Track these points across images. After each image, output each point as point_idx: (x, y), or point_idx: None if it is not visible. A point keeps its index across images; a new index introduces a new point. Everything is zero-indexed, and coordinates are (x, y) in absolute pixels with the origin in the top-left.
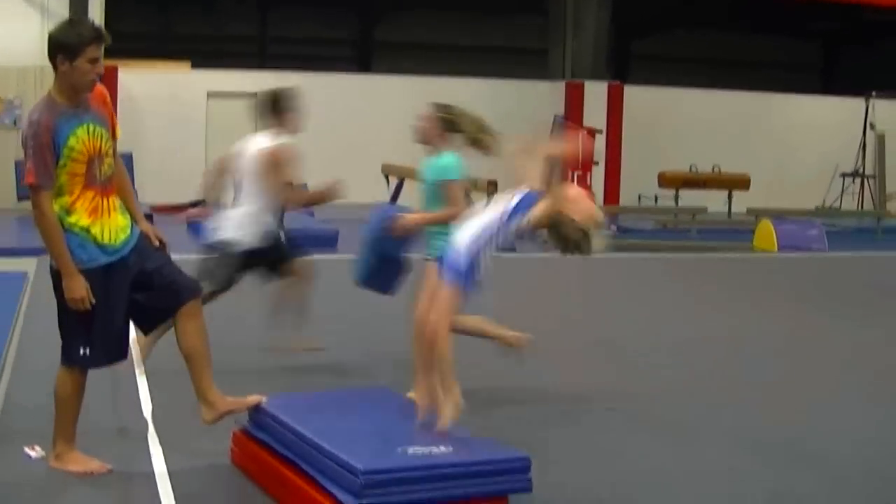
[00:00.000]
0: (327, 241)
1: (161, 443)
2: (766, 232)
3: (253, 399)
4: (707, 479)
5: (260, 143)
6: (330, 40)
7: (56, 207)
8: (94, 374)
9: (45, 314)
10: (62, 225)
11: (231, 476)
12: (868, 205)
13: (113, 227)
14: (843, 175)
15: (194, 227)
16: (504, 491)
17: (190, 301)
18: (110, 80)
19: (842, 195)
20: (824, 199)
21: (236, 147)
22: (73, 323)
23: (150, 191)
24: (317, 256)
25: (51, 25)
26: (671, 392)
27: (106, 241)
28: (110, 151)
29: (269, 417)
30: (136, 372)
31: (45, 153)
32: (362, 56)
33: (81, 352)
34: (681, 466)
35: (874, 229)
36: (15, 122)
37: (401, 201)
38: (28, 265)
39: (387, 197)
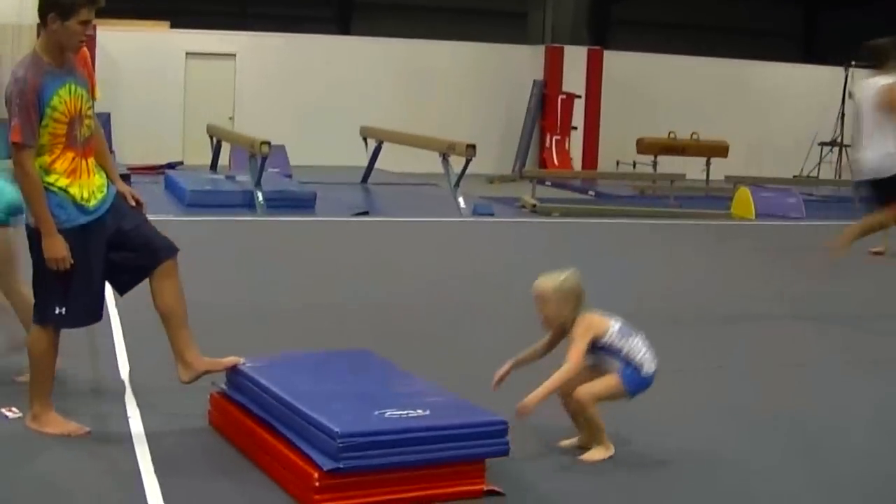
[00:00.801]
0: (305, 203)
1: (138, 404)
2: (744, 199)
3: (230, 360)
4: (678, 437)
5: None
6: (310, 2)
7: (35, 167)
8: (70, 334)
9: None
10: (45, 179)
11: (209, 438)
12: (846, 174)
13: (91, 188)
14: (822, 144)
15: (172, 187)
16: (481, 455)
17: (166, 261)
18: (89, 39)
19: (819, 164)
20: (802, 167)
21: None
22: (50, 282)
23: (128, 151)
24: (295, 218)
25: None
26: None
27: (84, 201)
28: (90, 112)
29: (247, 379)
30: (113, 332)
31: (30, 111)
32: (342, 18)
33: (57, 311)
34: (656, 419)
35: (851, 198)
36: None
37: (378, 164)
38: None
39: (366, 160)
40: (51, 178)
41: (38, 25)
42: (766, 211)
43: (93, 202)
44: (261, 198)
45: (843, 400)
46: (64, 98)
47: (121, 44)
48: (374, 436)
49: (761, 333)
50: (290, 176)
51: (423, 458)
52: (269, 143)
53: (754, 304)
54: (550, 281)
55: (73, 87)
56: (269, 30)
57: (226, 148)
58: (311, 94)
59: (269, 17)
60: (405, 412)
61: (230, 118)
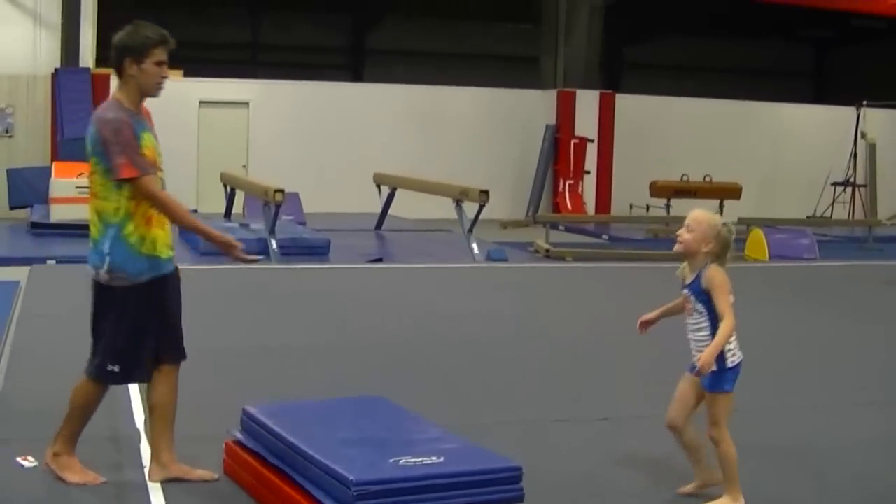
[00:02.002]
0: (319, 250)
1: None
2: (758, 241)
3: (204, 473)
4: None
5: None
6: (322, 49)
7: (121, 213)
8: None
9: (38, 323)
10: (121, 232)
11: (224, 486)
12: (859, 214)
13: (165, 241)
14: (835, 184)
15: (186, 235)
16: (496, 501)
17: (181, 359)
18: (103, 88)
19: (833, 204)
20: (815, 208)
21: None
22: (110, 338)
23: None
24: (309, 265)
25: (43, 34)
26: (663, 399)
27: (160, 252)
28: (162, 166)
29: (262, 427)
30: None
31: (132, 144)
32: (354, 64)
33: (109, 368)
34: (675, 472)
35: (865, 238)
36: (7, 130)
37: (392, 211)
38: (20, 274)
39: (379, 206)
40: (131, 226)
41: (116, 75)
42: (779, 252)
43: (165, 255)
44: (275, 245)
45: (858, 438)
46: (148, 143)
47: None
48: (389, 483)
49: (775, 374)
50: (303, 223)
51: None
52: (282, 191)
53: (769, 345)
54: (709, 213)
55: (151, 137)
56: (281, 78)
57: (240, 196)
58: (324, 142)
59: (281, 65)
60: (420, 459)
61: (244, 166)
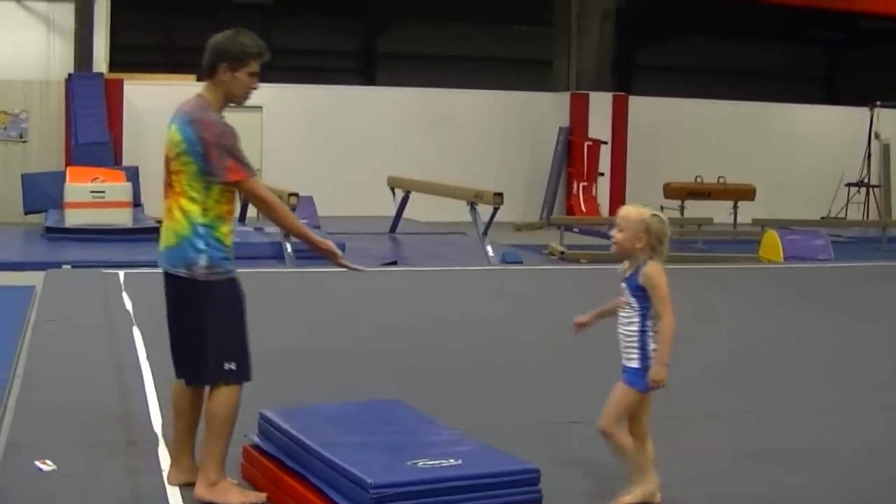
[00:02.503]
0: None
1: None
2: (772, 242)
3: (253, 496)
4: (713, 483)
5: None
6: (334, 52)
7: (212, 215)
8: (102, 387)
9: (53, 328)
10: (214, 231)
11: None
12: (873, 214)
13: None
14: (849, 185)
15: None
16: (514, 503)
17: None
18: (116, 93)
19: (847, 205)
20: (829, 208)
21: None
22: (220, 337)
23: (156, 205)
24: (324, 269)
25: (56, 40)
26: (679, 401)
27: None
28: None
29: (279, 431)
30: (145, 385)
31: (237, 146)
32: (366, 68)
33: (227, 367)
34: (687, 472)
35: (880, 239)
36: (21, 136)
37: (406, 214)
38: (36, 279)
39: (393, 209)
40: (225, 229)
41: (205, 76)
42: (794, 253)
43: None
44: (289, 249)
45: (872, 440)
46: None
47: (147, 98)
48: (407, 486)
49: (791, 376)
50: (318, 227)
51: None
52: (297, 195)
53: (783, 347)
54: (638, 209)
55: None
56: (294, 82)
57: None
58: (337, 145)
59: (293, 70)
60: (437, 462)
61: (257, 170)
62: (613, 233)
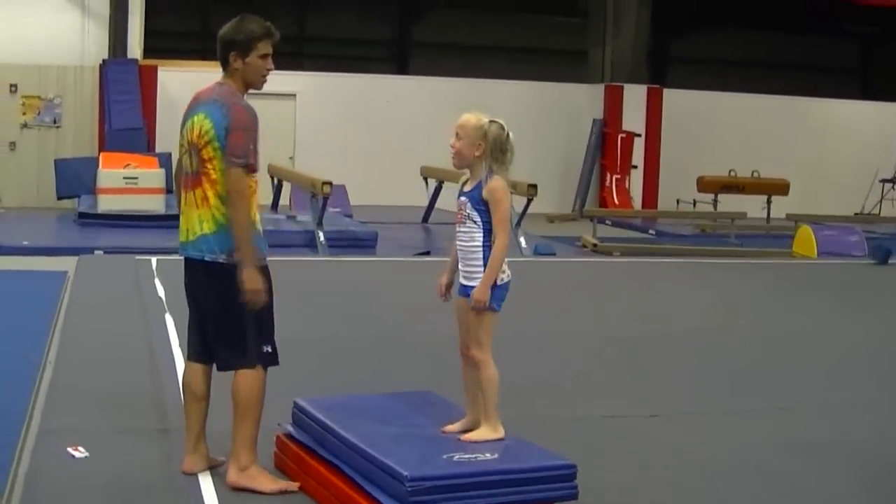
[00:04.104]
0: (366, 243)
1: None
2: (806, 237)
3: (284, 484)
4: (745, 477)
5: None
6: (367, 41)
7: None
8: (134, 374)
9: (86, 313)
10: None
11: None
12: None
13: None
14: (883, 181)
15: None
16: (550, 498)
17: None
18: (150, 79)
19: (881, 200)
20: (863, 204)
21: None
22: (252, 322)
23: None
24: (356, 258)
25: (91, 25)
26: (711, 396)
27: (262, 235)
28: None
29: (313, 420)
30: (178, 372)
31: (256, 138)
32: (400, 57)
33: (265, 349)
34: (721, 467)
35: None
36: (55, 121)
37: (439, 204)
38: (68, 263)
39: (426, 200)
40: (257, 215)
41: (221, 67)
42: (827, 249)
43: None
44: (322, 238)
45: None
46: None
47: (181, 84)
48: (443, 479)
49: (825, 371)
50: (350, 216)
51: (492, 502)
52: (330, 184)
53: (818, 342)
54: (476, 115)
55: None
56: (327, 70)
57: (286, 188)
58: (371, 134)
59: (327, 57)
60: (473, 455)
61: (290, 158)
62: (452, 142)
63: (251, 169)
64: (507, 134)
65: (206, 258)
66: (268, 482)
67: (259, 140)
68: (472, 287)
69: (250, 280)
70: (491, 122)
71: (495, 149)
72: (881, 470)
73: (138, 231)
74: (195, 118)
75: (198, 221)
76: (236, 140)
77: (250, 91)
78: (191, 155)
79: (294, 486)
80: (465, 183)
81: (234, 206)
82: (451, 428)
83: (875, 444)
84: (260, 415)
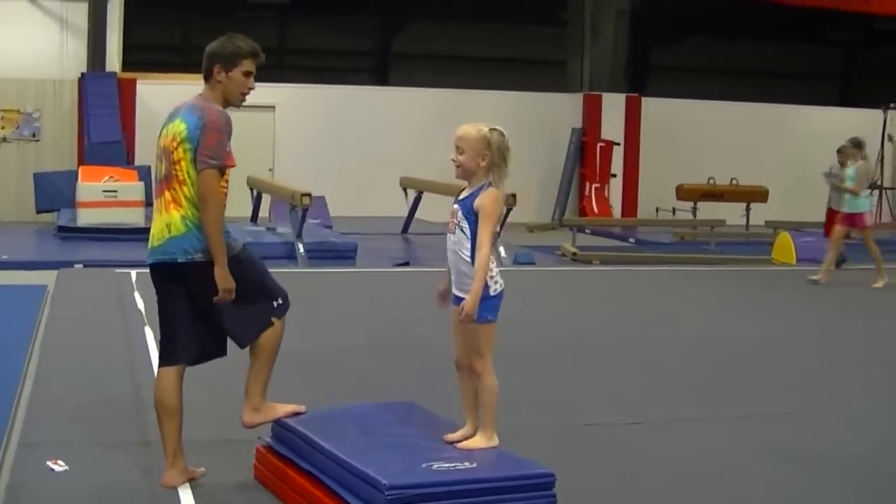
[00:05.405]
0: (346, 254)
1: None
2: (785, 244)
3: (291, 407)
4: (729, 484)
5: None
6: (348, 52)
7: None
8: (114, 387)
9: (66, 327)
10: None
11: (254, 492)
12: (886, 217)
13: None
14: None
15: None
16: None
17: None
18: (129, 92)
19: None
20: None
21: None
22: (258, 289)
23: None
24: (336, 269)
25: (70, 39)
26: (694, 401)
27: None
28: None
29: (293, 432)
30: None
31: (228, 140)
32: (380, 68)
33: (276, 304)
34: (706, 474)
35: (894, 241)
36: (34, 135)
37: (418, 214)
38: (48, 278)
39: (405, 211)
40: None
41: (204, 80)
42: (807, 255)
43: None
44: (302, 249)
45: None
46: None
47: (160, 97)
48: (422, 488)
49: (808, 377)
50: (330, 227)
51: None
52: (310, 195)
53: (801, 348)
54: (474, 126)
55: None
56: (308, 82)
57: (266, 199)
58: (350, 145)
59: (307, 69)
60: (452, 465)
61: (270, 170)
62: (454, 157)
63: (224, 170)
64: (507, 140)
65: (179, 259)
66: (280, 409)
67: (231, 147)
68: (463, 298)
69: (223, 280)
70: (491, 129)
71: (498, 156)
72: (868, 476)
73: (118, 244)
74: (170, 125)
75: (171, 223)
76: (210, 140)
77: (229, 108)
78: (161, 160)
79: (301, 408)
80: (462, 191)
81: (207, 207)
82: (452, 437)
83: (862, 450)
84: (272, 364)
